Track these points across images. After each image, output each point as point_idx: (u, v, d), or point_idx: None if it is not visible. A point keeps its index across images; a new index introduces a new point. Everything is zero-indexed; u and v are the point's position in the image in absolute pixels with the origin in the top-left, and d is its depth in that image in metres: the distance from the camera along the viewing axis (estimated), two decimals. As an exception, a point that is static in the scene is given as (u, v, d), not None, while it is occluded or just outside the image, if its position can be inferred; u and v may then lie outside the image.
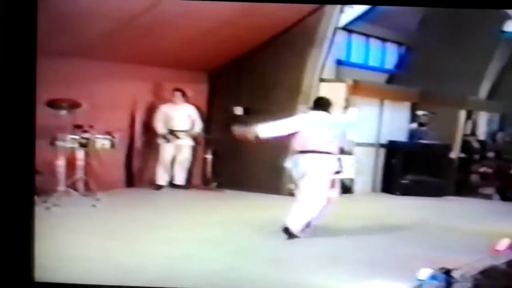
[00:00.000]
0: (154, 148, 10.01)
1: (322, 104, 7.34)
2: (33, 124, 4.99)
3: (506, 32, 11.91)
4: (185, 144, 10.08)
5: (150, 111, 10.01)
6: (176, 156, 10.05)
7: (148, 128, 9.99)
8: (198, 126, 10.16)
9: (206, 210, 8.50)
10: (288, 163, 7.34)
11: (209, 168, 10.32)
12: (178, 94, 9.95)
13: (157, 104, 10.00)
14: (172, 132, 9.96)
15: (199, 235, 6.82)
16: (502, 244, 6.23)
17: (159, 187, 9.91)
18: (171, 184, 10.06)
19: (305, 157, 7.10)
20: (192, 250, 6.16)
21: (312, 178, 7.08)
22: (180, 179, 10.12)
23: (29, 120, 4.96)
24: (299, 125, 7.20)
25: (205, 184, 10.33)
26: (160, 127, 9.95)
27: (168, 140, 9.95)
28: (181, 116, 9.99)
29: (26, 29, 4.91)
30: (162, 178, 9.98)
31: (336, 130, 7.22)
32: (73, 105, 8.13)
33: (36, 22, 4.90)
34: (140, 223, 7.22)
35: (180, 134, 9.99)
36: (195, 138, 10.21)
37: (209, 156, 10.31)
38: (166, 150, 9.99)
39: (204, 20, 8.43)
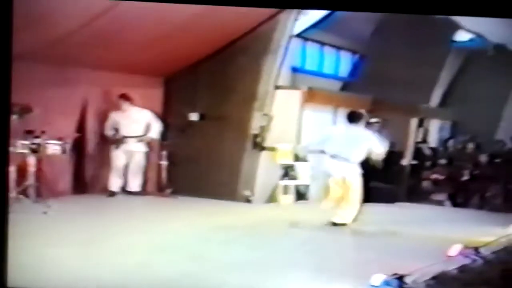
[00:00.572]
0: (107, 154, 9.88)
1: (353, 118, 8.69)
2: (7, 132, 4.84)
3: (456, 41, 12.16)
4: (137, 150, 9.98)
5: (103, 117, 9.88)
6: (129, 162, 9.94)
7: (101, 134, 9.86)
8: (155, 131, 10.06)
9: (161, 216, 8.41)
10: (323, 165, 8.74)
11: (164, 174, 10.21)
12: (121, 100, 9.82)
13: (109, 110, 9.87)
14: (122, 138, 9.84)
15: (154, 242, 6.75)
16: (454, 250, 6.34)
17: (112, 193, 9.77)
18: (125, 191, 9.94)
19: (332, 162, 8.52)
20: (147, 257, 6.09)
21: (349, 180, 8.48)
22: (134, 185, 10.00)
23: (2, 128, 4.81)
24: (328, 137, 8.68)
25: (160, 190, 10.21)
26: (110, 134, 9.83)
27: (117, 147, 9.83)
28: (130, 122, 9.87)
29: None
30: (114, 184, 9.84)
31: (360, 143, 8.48)
32: (25, 110, 7.96)
33: (12, 26, 4.77)
34: (93, 230, 7.09)
35: (130, 141, 9.88)
36: (148, 144, 10.11)
37: (164, 162, 10.21)
38: (118, 157, 9.87)
39: (159, 24, 8.37)
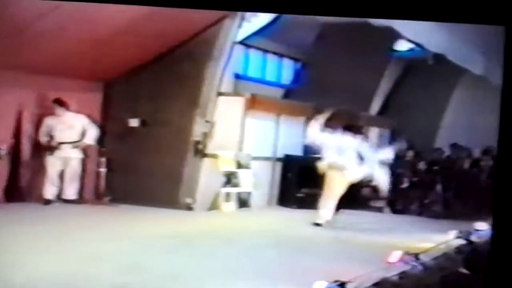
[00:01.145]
0: (42, 161, 9.60)
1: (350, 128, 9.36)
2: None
3: (396, 51, 12.38)
4: (73, 157, 9.74)
5: (38, 122, 9.61)
6: (65, 169, 9.70)
7: (36, 140, 9.59)
8: (91, 136, 9.84)
9: (98, 225, 8.18)
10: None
11: (102, 182, 10.00)
12: (55, 105, 9.57)
13: (45, 115, 9.61)
14: (56, 144, 9.59)
15: (91, 251, 6.52)
16: (394, 256, 6.37)
17: (48, 201, 9.48)
18: (62, 199, 9.67)
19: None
20: (84, 267, 5.89)
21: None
22: (70, 193, 9.75)
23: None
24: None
25: (98, 198, 10.00)
26: (44, 140, 9.58)
27: (51, 153, 9.58)
28: (64, 128, 9.63)
29: None
30: (49, 192, 9.57)
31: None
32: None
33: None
34: (27, 239, 6.83)
35: (65, 147, 9.65)
36: (84, 150, 9.89)
37: (102, 169, 10.00)
38: (52, 163, 9.62)
39: (100, 28, 8.25)
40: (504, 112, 4.50)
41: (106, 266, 5.96)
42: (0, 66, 8.31)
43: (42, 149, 9.60)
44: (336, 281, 5.26)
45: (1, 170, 8.91)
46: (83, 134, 9.80)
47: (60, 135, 9.61)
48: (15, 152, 9.26)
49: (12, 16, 7.36)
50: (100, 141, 9.97)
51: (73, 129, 9.72)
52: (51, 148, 9.58)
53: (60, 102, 9.58)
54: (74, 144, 9.73)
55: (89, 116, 9.88)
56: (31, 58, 8.41)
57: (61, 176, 9.68)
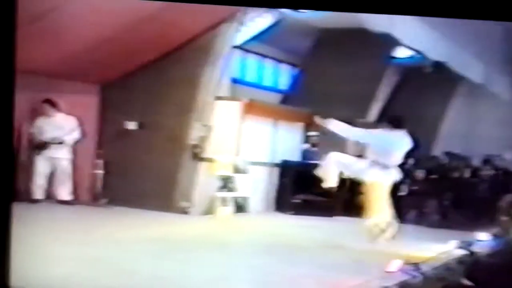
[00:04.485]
0: (32, 161, 9.62)
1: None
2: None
3: (394, 58, 12.32)
4: (61, 157, 9.74)
5: (31, 122, 9.62)
6: (54, 170, 9.71)
7: (28, 140, 9.61)
8: (72, 138, 9.82)
9: (92, 227, 8.04)
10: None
11: (99, 184, 9.93)
12: (46, 106, 9.63)
13: (37, 116, 9.64)
14: (44, 144, 9.59)
15: (83, 254, 6.44)
16: (394, 266, 6.29)
17: (35, 201, 9.44)
18: (56, 200, 9.62)
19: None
20: (77, 270, 5.80)
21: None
22: (63, 194, 9.72)
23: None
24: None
25: (94, 200, 9.92)
26: (34, 140, 9.61)
27: (39, 153, 9.58)
28: (53, 129, 9.66)
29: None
30: (37, 192, 9.56)
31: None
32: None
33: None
34: (16, 240, 6.71)
35: (53, 147, 9.64)
36: (73, 150, 9.86)
37: (99, 171, 9.93)
38: (40, 163, 9.63)
39: (96, 30, 8.16)
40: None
41: (98, 269, 5.88)
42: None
43: (32, 149, 9.61)
44: (335, 290, 5.20)
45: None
46: (72, 135, 9.83)
47: (49, 135, 9.64)
48: (15, 153, 9.19)
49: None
50: (98, 143, 9.96)
51: (62, 130, 9.74)
52: (39, 148, 9.60)
53: (50, 103, 9.61)
54: (64, 144, 9.74)
55: (80, 118, 9.84)
56: (31, 59, 8.30)
57: (51, 176, 9.68)
